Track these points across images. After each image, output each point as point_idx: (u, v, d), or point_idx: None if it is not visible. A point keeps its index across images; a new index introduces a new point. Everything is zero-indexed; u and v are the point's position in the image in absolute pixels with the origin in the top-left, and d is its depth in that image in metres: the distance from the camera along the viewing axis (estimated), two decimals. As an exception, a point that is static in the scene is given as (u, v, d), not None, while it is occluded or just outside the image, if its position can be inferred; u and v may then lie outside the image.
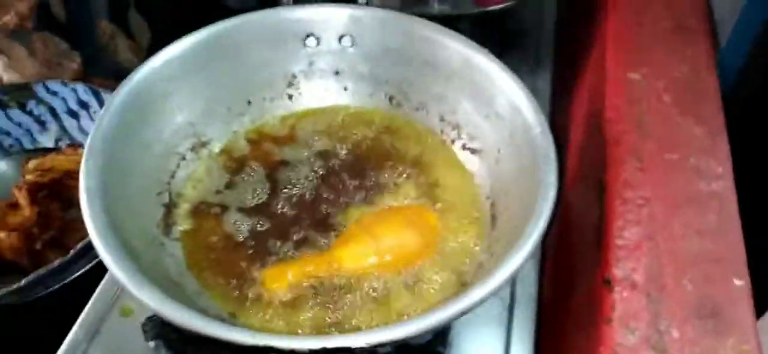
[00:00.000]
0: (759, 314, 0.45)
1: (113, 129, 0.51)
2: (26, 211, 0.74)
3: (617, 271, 0.46)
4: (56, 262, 0.65)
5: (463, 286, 0.51)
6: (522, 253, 0.44)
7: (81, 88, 0.84)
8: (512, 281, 0.61)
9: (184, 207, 0.56)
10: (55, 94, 0.85)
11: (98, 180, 0.47)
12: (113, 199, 0.47)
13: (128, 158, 0.52)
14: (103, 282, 0.59)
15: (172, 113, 0.57)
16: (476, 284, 0.42)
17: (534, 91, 0.56)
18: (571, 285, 0.53)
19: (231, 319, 0.47)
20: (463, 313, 0.41)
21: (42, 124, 0.86)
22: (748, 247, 0.48)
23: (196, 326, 0.39)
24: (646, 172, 0.53)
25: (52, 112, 0.85)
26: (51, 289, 0.67)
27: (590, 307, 0.46)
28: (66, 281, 0.67)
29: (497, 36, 0.63)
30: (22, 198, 0.74)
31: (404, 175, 0.60)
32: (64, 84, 0.85)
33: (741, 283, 0.45)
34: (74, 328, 0.56)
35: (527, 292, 0.61)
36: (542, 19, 0.90)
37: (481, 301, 0.41)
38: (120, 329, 0.56)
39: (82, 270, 0.67)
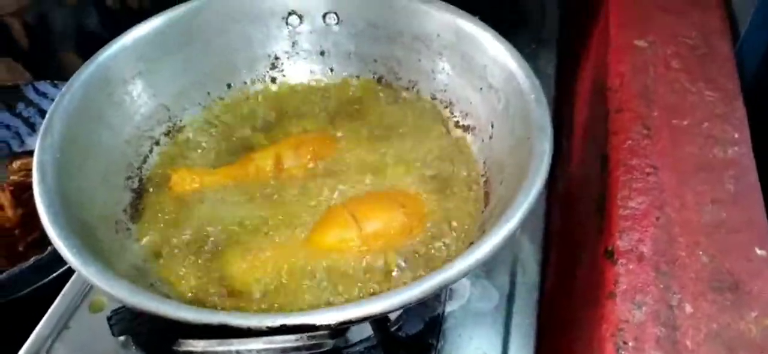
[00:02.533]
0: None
1: (75, 107, 0.48)
2: (9, 212, 0.71)
3: (621, 242, 0.41)
4: (31, 260, 0.62)
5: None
6: (509, 226, 0.39)
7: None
8: (511, 269, 0.56)
9: (154, 194, 0.52)
10: (44, 95, 0.83)
11: (53, 157, 0.44)
12: (70, 179, 0.44)
13: (91, 139, 0.48)
14: (73, 276, 0.55)
15: (144, 94, 0.54)
16: (458, 258, 0.38)
17: (537, 72, 0.52)
18: (574, 263, 0.48)
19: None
20: (441, 287, 0.36)
21: (31, 126, 0.84)
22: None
23: (145, 305, 0.35)
24: (653, 140, 0.48)
25: (42, 113, 0.83)
26: (29, 289, 0.64)
27: (593, 282, 0.41)
28: (45, 281, 0.64)
29: (498, 17, 0.58)
30: (4, 199, 0.71)
31: (393, 156, 0.56)
32: (54, 85, 0.84)
33: (763, 252, 0.40)
34: (41, 322, 0.52)
35: (528, 280, 0.55)
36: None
37: (462, 275, 0.37)
38: (89, 325, 0.52)
39: (62, 270, 0.64)
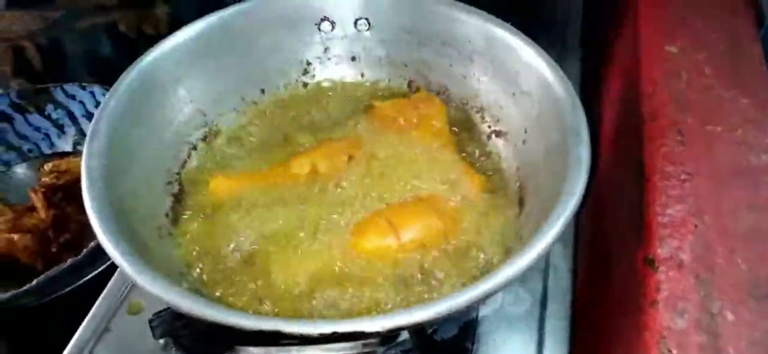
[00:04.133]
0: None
1: (119, 112, 0.49)
2: (41, 213, 0.72)
3: (661, 250, 0.41)
4: (68, 262, 0.63)
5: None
6: (551, 233, 0.40)
7: (99, 91, 0.83)
8: (544, 274, 0.57)
9: (193, 199, 0.53)
10: (73, 97, 0.84)
11: (101, 162, 0.45)
12: (117, 183, 0.45)
13: (135, 143, 0.49)
14: (112, 279, 0.57)
15: (183, 100, 0.55)
16: (501, 267, 0.38)
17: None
18: (609, 270, 0.49)
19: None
20: (487, 295, 0.37)
21: (60, 128, 0.85)
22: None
23: (197, 311, 0.36)
24: (688, 146, 0.48)
25: (71, 115, 0.85)
26: (65, 290, 0.65)
27: (631, 290, 0.42)
28: (80, 282, 0.65)
29: (522, 20, 0.59)
30: (37, 200, 0.73)
31: (427, 162, 0.56)
32: (82, 87, 0.84)
33: (802, 260, 0.40)
34: (82, 326, 0.53)
35: (560, 284, 0.56)
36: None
37: (507, 283, 0.37)
38: (129, 327, 0.53)
39: (97, 271, 0.66)
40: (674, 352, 0.36)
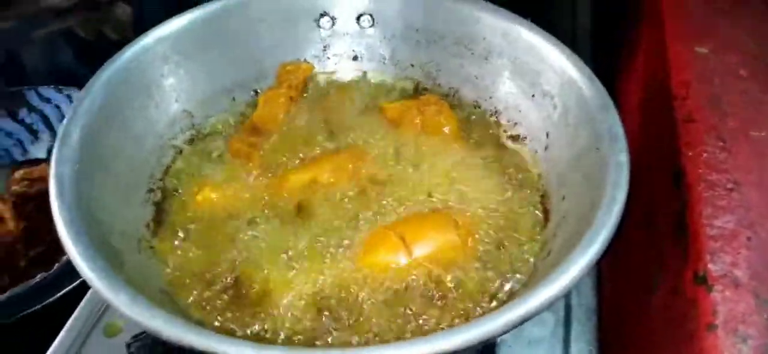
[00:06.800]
0: None
1: (95, 112, 0.43)
2: (10, 224, 0.66)
3: (713, 266, 0.36)
4: (37, 278, 0.56)
5: (512, 296, 0.42)
6: (595, 247, 0.35)
7: (76, 94, 0.76)
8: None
9: (179, 208, 0.47)
10: (47, 100, 0.78)
11: (72, 168, 0.39)
12: (91, 191, 0.39)
13: (112, 147, 0.44)
14: (86, 296, 0.50)
15: (167, 100, 0.50)
16: (533, 287, 0.33)
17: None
18: (645, 287, 0.44)
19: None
20: (523, 320, 0.32)
21: (34, 133, 0.78)
22: None
23: (186, 339, 0.31)
24: (732, 153, 0.44)
25: (45, 120, 0.78)
26: (33, 309, 0.58)
27: (679, 311, 0.37)
28: (50, 300, 0.59)
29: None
30: (5, 210, 0.66)
31: (438, 171, 0.51)
32: (58, 90, 0.78)
33: None
34: (50, 349, 0.47)
35: (585, 302, 0.51)
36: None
37: (545, 306, 0.32)
38: (105, 351, 0.47)
39: (69, 288, 0.59)
40: (741, 386, 0.31)
